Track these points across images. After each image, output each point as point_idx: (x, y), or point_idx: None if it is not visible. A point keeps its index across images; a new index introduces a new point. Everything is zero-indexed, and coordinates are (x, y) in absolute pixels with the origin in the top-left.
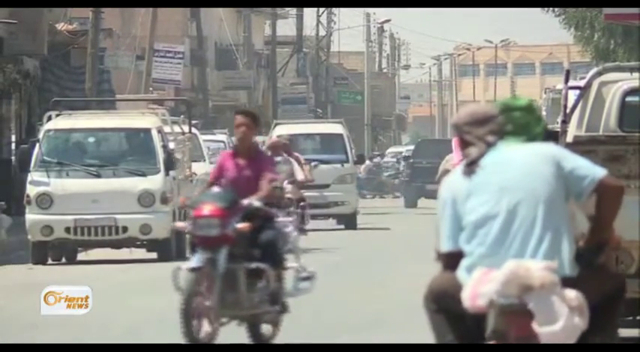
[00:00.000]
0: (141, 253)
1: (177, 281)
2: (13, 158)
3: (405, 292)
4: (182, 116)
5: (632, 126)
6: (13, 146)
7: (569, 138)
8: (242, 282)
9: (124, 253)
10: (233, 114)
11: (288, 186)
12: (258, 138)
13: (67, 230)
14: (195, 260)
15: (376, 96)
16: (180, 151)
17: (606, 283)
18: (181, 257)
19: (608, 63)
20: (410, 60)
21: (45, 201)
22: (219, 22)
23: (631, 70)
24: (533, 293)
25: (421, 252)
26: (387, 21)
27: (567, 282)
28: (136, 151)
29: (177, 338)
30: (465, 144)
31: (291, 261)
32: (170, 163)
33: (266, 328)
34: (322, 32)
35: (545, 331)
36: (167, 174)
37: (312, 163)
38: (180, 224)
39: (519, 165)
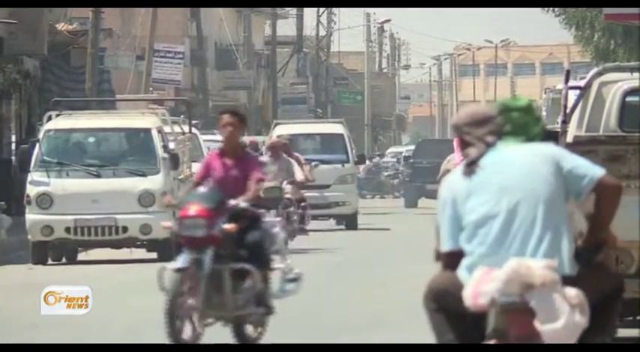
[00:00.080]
0: (141, 253)
1: (162, 281)
2: (13, 158)
3: (406, 292)
4: (182, 116)
5: (632, 126)
6: (13, 146)
7: (570, 138)
8: (227, 283)
9: (124, 253)
10: (220, 114)
11: (287, 187)
12: (258, 138)
13: (67, 230)
14: (180, 260)
15: (376, 96)
16: (181, 151)
17: (605, 282)
18: None
19: (608, 63)
20: (410, 60)
21: (45, 201)
22: (219, 22)
23: (631, 70)
24: (535, 292)
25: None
26: (387, 21)
27: (567, 281)
28: (136, 151)
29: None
30: (464, 145)
31: (277, 262)
32: (175, 163)
33: (251, 329)
34: (322, 32)
35: (547, 329)
36: (167, 173)
37: (313, 163)
38: (166, 223)
39: (519, 165)
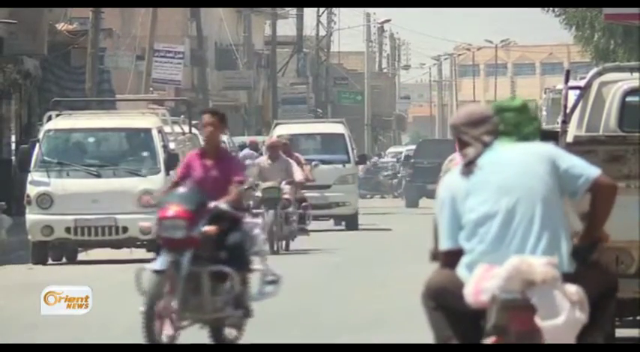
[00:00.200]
0: (141, 253)
1: (140, 282)
2: (13, 158)
3: (406, 292)
4: (182, 116)
5: (632, 126)
6: (13, 146)
7: (570, 138)
8: (205, 285)
9: (124, 253)
10: (200, 114)
11: (285, 187)
12: (259, 138)
13: (68, 230)
14: (159, 262)
15: (376, 96)
16: (181, 151)
17: (599, 280)
18: None
19: (608, 63)
20: (410, 60)
21: (45, 201)
22: (220, 22)
23: (631, 70)
24: (536, 288)
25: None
26: (387, 21)
27: (566, 278)
28: (136, 151)
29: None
30: (462, 145)
31: (257, 264)
32: (172, 162)
33: (229, 331)
34: (322, 32)
35: (548, 325)
36: (167, 173)
37: (313, 163)
38: (144, 223)
39: (516, 165)
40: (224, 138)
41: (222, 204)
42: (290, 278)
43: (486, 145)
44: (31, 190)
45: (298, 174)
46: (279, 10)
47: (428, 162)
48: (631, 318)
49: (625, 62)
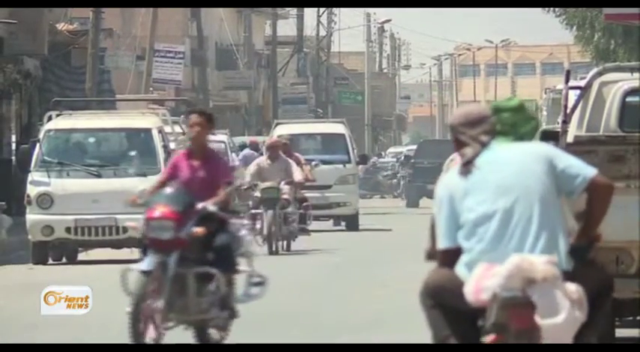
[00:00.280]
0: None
1: (126, 283)
2: (13, 158)
3: (406, 292)
4: (182, 116)
5: (632, 126)
6: (14, 146)
7: (570, 138)
8: (191, 287)
9: (125, 253)
10: (187, 114)
11: (284, 187)
12: (259, 138)
13: (68, 230)
14: (146, 263)
15: (376, 96)
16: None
17: (595, 279)
18: None
19: (608, 63)
20: (410, 60)
21: (45, 201)
22: (220, 22)
23: (631, 70)
24: (537, 287)
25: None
26: (388, 21)
27: (564, 276)
28: (136, 151)
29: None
30: (460, 145)
31: (243, 265)
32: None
33: (213, 332)
34: (322, 32)
35: (547, 323)
36: None
37: (313, 163)
38: (131, 223)
39: (514, 164)
40: (224, 138)
41: (210, 206)
42: (290, 278)
43: (484, 145)
44: (32, 190)
45: (297, 175)
46: (280, 10)
47: (428, 162)
48: (631, 318)
49: (625, 62)
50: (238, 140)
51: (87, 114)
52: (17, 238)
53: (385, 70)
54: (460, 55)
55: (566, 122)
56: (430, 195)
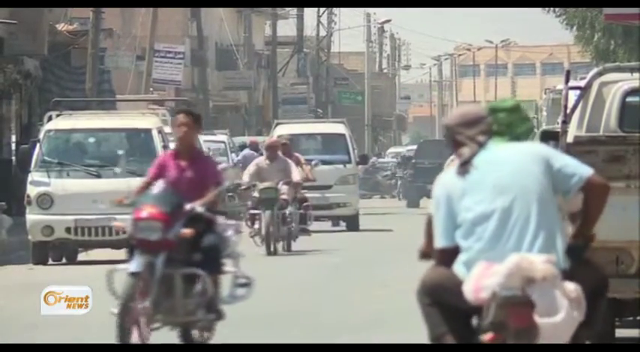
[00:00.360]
0: None
1: (112, 283)
2: (13, 158)
3: (406, 292)
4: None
5: (632, 126)
6: (14, 146)
7: (570, 139)
8: (178, 288)
9: (124, 253)
10: (175, 114)
11: (283, 187)
12: (259, 139)
13: (68, 230)
14: (134, 264)
15: (376, 96)
16: None
17: (592, 278)
18: None
19: (608, 63)
20: (410, 60)
21: (45, 202)
22: (220, 22)
23: (631, 70)
24: (536, 286)
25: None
26: (388, 21)
27: (562, 275)
28: (136, 152)
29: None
30: (457, 145)
31: (229, 266)
32: None
33: (198, 333)
34: (323, 32)
35: (546, 322)
36: None
37: (313, 162)
38: (118, 223)
39: (511, 164)
40: (224, 138)
41: (198, 207)
42: (290, 278)
43: (481, 145)
44: (32, 190)
45: (296, 175)
46: (280, 11)
47: (429, 162)
48: (631, 318)
49: (625, 62)
50: (238, 140)
51: (87, 115)
52: (17, 238)
53: (385, 70)
54: (460, 55)
55: (566, 122)
56: (430, 195)
